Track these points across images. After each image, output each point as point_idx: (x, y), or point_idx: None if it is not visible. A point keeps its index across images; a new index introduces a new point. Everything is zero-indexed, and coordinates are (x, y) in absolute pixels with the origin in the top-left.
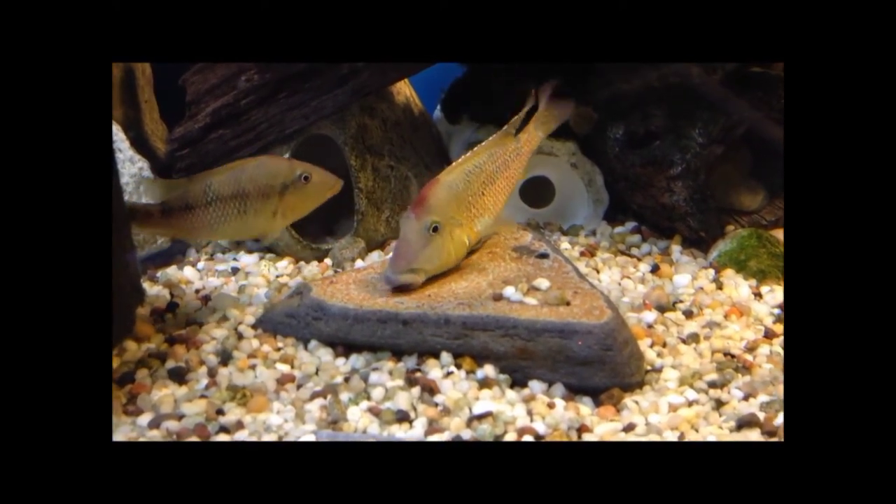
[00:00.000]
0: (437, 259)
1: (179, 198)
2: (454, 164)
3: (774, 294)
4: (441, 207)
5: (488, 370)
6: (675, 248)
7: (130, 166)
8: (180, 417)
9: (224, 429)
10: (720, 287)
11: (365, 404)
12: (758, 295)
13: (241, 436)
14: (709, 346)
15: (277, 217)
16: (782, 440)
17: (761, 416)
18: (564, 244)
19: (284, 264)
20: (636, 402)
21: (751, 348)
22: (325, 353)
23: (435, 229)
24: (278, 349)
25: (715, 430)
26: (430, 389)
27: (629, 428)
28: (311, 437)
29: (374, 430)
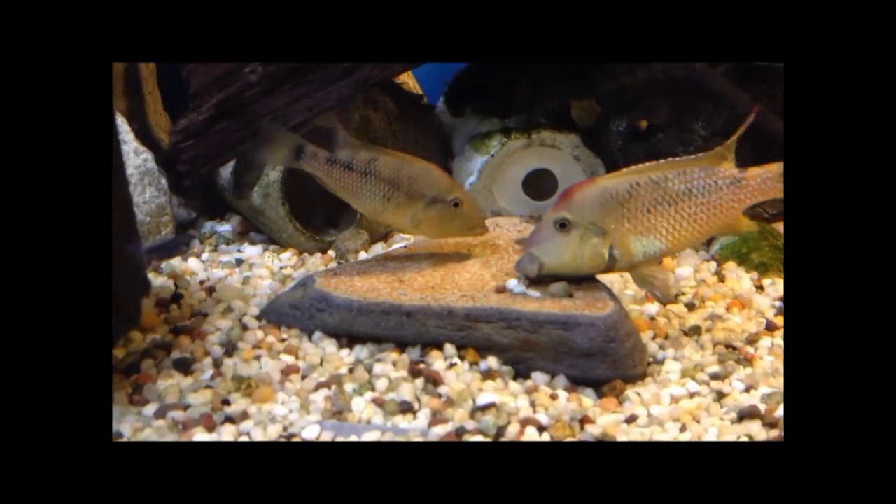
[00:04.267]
0: (557, 256)
1: (347, 155)
2: (631, 167)
3: (776, 287)
4: (582, 207)
5: (491, 361)
6: None
7: (135, 158)
8: (186, 408)
9: (229, 419)
10: (722, 280)
11: (369, 395)
12: (759, 287)
13: (247, 426)
14: (710, 339)
15: (414, 223)
16: (782, 436)
17: (762, 407)
18: None
19: (288, 256)
20: (638, 394)
21: (752, 341)
22: (330, 345)
23: (562, 226)
24: (283, 340)
25: (716, 422)
26: (434, 380)
27: (631, 419)
28: (316, 428)
29: (377, 421)
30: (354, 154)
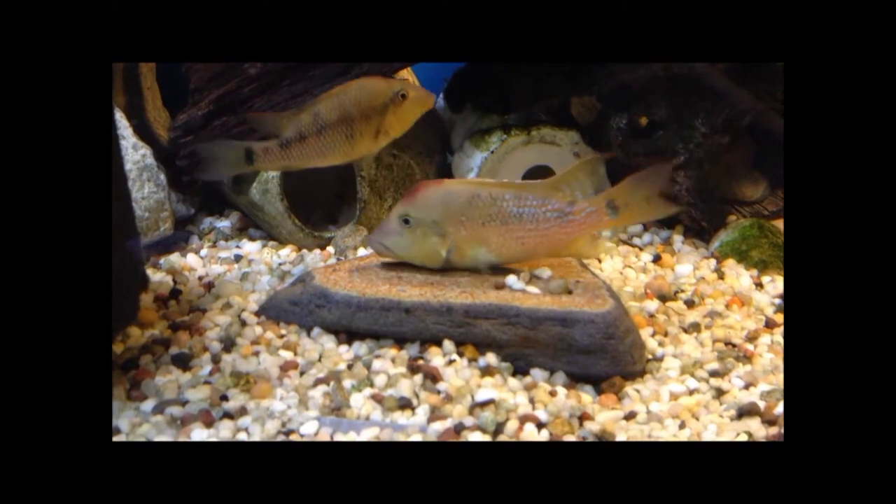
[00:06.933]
0: (401, 248)
1: (293, 130)
2: (483, 179)
3: (775, 284)
4: (425, 206)
5: (490, 358)
6: (677, 238)
7: (133, 153)
8: (184, 403)
9: (228, 415)
10: (722, 277)
11: (368, 391)
12: (759, 285)
13: (245, 422)
14: (710, 336)
15: (380, 136)
16: (782, 434)
17: (762, 404)
18: None
19: (287, 252)
20: (637, 391)
21: (752, 338)
22: (328, 341)
23: (405, 221)
24: (281, 336)
25: (715, 419)
26: (433, 377)
27: (630, 416)
28: (315, 424)
29: (376, 417)
30: (298, 124)
